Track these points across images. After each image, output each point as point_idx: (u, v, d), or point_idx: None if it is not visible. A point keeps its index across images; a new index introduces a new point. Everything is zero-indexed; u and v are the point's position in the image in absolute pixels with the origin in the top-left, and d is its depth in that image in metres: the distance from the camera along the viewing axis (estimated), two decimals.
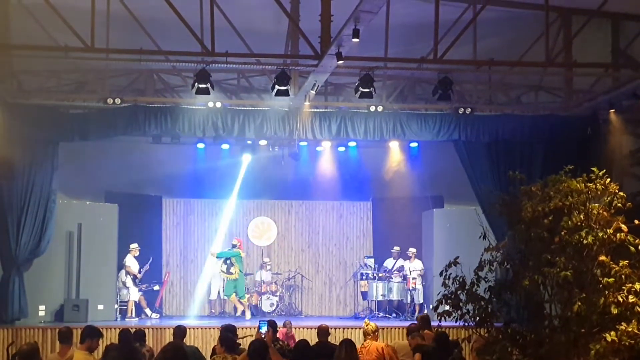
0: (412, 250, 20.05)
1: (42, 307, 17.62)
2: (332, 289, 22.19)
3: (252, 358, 9.09)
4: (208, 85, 15.09)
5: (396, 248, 20.38)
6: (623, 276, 8.43)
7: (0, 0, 14.74)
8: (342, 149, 20.55)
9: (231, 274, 19.50)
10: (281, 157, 20.71)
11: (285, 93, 15.30)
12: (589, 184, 9.00)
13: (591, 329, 8.47)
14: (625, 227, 8.72)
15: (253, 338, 11.14)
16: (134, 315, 19.06)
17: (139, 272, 19.34)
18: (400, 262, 20.21)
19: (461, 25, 14.88)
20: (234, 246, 20.04)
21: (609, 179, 9.08)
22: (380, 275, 20.06)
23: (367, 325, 11.30)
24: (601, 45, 16.01)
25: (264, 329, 11.06)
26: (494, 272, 9.35)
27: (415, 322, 13.13)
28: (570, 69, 16.48)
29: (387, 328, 16.65)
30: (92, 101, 17.12)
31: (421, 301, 19.64)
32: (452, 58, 14.97)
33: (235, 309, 19.98)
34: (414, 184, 20.70)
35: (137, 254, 19.42)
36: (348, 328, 16.78)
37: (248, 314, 19.27)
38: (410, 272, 19.78)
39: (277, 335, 13.19)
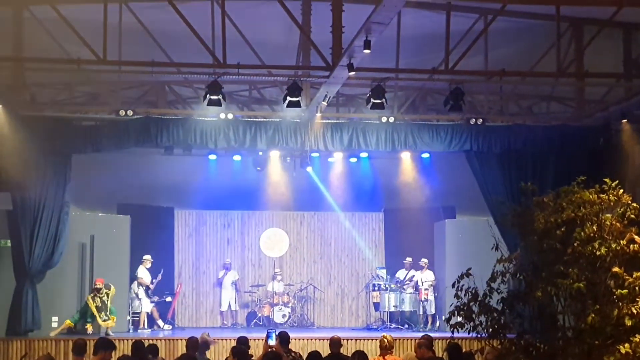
0: (424, 260, 20.03)
1: (55, 319, 17.62)
2: (344, 300, 22.16)
3: None
4: (220, 96, 15.11)
5: (408, 259, 20.35)
6: (637, 288, 8.42)
7: (14, 13, 14.84)
8: (353, 160, 20.54)
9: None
10: (293, 168, 20.75)
11: (297, 104, 15.32)
12: (601, 195, 8.99)
13: (605, 340, 8.44)
14: (639, 238, 8.69)
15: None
16: (146, 326, 19.06)
17: (151, 283, 19.35)
18: (412, 272, 20.19)
19: (472, 36, 14.90)
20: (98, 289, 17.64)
21: (621, 190, 9.07)
22: (392, 286, 20.02)
23: (386, 339, 11.09)
24: (613, 55, 15.98)
25: (272, 339, 11.03)
26: (506, 283, 9.34)
27: (428, 334, 13.10)
28: (582, 79, 16.44)
29: (399, 339, 16.58)
30: (104, 113, 17.18)
31: (433, 312, 19.61)
32: (464, 69, 14.98)
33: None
34: (425, 194, 20.66)
35: (149, 265, 19.44)
36: (360, 339, 16.74)
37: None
38: (422, 282, 19.76)
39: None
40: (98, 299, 17.64)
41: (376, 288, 20.28)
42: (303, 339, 16.58)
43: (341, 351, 11.83)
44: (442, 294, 19.12)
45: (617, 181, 9.16)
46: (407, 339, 16.65)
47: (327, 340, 12.17)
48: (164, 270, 19.86)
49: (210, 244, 21.99)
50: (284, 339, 11.49)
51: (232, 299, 20.62)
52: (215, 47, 14.21)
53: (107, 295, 17.75)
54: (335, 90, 15.72)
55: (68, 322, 17.42)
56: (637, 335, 8.16)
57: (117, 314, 17.90)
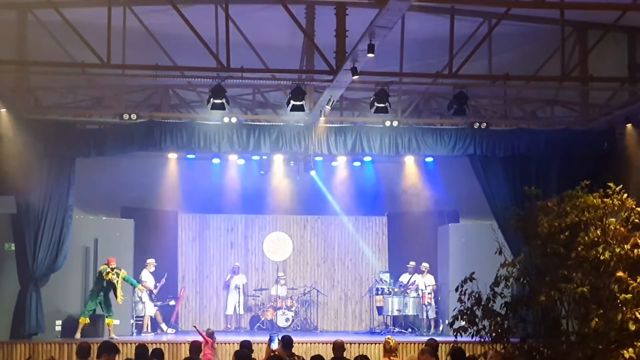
0: (425, 265, 20.02)
1: (58, 322, 17.63)
2: (347, 304, 22.13)
3: None
4: (223, 100, 15.13)
5: (412, 263, 20.34)
6: None
7: (18, 17, 14.86)
8: (357, 163, 20.54)
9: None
10: (297, 172, 20.75)
11: (301, 108, 15.33)
12: (605, 200, 8.98)
13: (609, 345, 8.42)
14: None
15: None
16: (149, 330, 19.07)
17: (155, 287, 19.36)
18: (415, 276, 20.17)
19: (476, 40, 14.90)
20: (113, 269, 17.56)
21: (625, 195, 9.06)
22: (395, 290, 20.00)
23: (390, 341, 11.08)
24: (617, 59, 15.96)
25: (275, 343, 11.02)
26: (510, 287, 9.33)
27: (433, 338, 13.07)
28: (586, 83, 16.42)
29: (402, 343, 16.56)
30: (108, 117, 17.20)
31: (434, 316, 19.59)
32: (468, 73, 14.98)
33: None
34: (429, 198, 20.65)
35: (153, 269, 19.45)
36: (363, 343, 16.73)
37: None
38: (425, 287, 19.74)
39: (208, 345, 13.58)
40: (112, 276, 17.43)
41: (379, 292, 20.27)
42: (306, 343, 16.59)
43: (344, 355, 11.81)
44: (445, 298, 19.09)
45: (621, 185, 9.15)
46: (411, 343, 16.67)
47: (331, 344, 12.14)
48: (168, 274, 19.87)
49: (213, 247, 21.99)
50: (287, 342, 11.48)
51: (237, 303, 20.60)
52: (219, 51, 14.23)
53: (118, 275, 17.62)
54: (339, 94, 15.72)
55: (82, 319, 17.31)
56: None
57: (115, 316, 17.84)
